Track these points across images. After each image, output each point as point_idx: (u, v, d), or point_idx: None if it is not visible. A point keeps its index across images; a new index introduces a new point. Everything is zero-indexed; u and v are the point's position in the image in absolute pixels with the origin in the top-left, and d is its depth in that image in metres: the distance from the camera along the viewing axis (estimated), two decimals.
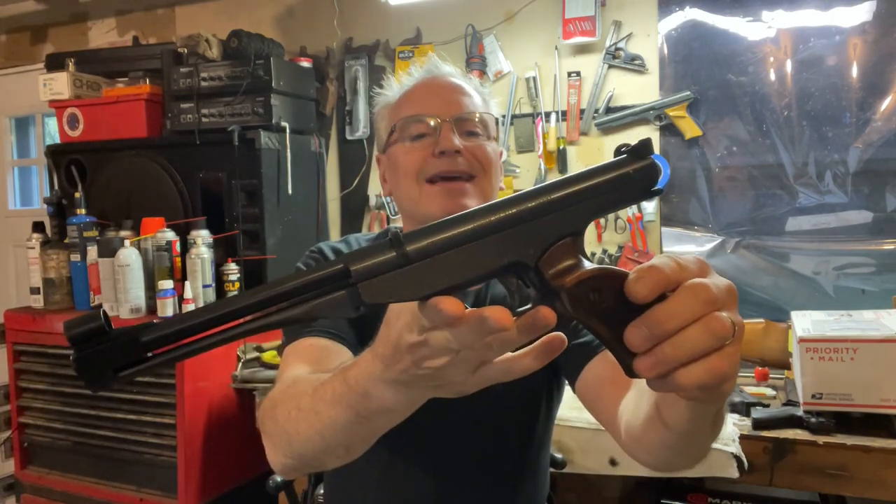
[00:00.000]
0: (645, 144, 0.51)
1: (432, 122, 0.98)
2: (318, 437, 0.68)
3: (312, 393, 0.69)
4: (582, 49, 2.27)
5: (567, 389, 1.06)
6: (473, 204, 0.92)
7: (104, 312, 0.49)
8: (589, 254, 2.26)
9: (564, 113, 2.28)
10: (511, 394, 1.00)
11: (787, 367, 1.81)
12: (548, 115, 2.30)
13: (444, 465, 1.03)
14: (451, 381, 0.54)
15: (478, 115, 1.00)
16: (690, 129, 2.14)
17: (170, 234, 2.13)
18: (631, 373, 0.48)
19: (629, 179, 0.51)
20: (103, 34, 3.06)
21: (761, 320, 1.89)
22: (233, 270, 2.20)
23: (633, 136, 2.22)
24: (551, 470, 1.24)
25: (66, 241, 2.29)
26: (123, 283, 2.08)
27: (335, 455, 0.71)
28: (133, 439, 2.09)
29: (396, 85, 1.08)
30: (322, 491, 1.35)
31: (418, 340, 0.50)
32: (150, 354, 0.49)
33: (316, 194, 2.50)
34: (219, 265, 2.20)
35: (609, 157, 0.49)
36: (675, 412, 0.60)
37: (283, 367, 0.94)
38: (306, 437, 0.70)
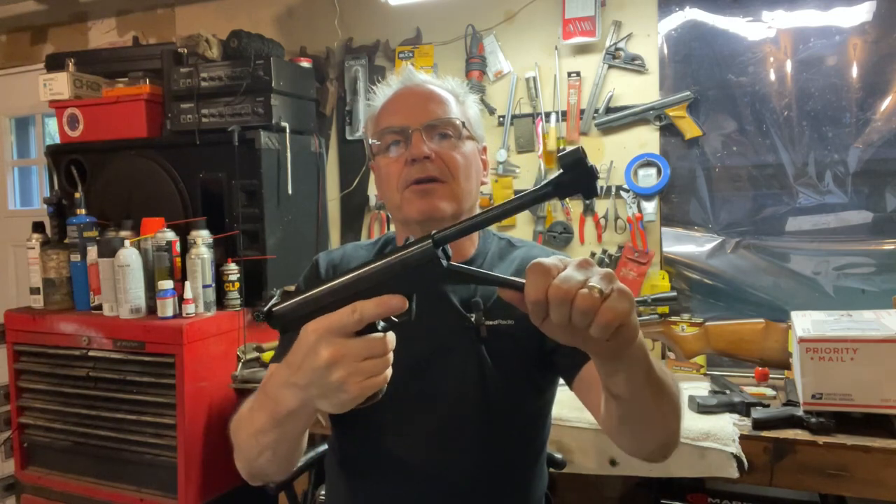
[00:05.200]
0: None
1: (404, 131, 1.04)
2: (254, 441, 0.84)
3: (250, 406, 0.86)
4: (582, 49, 2.27)
5: (565, 389, 1.07)
6: (444, 205, 1.01)
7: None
8: (589, 254, 2.27)
9: (564, 113, 2.28)
10: (501, 391, 1.01)
11: (787, 367, 1.81)
12: (548, 115, 2.30)
13: (440, 462, 1.03)
14: (334, 389, 0.69)
15: (446, 119, 1.05)
16: (690, 129, 2.14)
17: (170, 234, 2.13)
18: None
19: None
20: (103, 34, 3.06)
21: (761, 320, 1.89)
22: (233, 270, 2.20)
23: (633, 136, 2.22)
24: (551, 470, 1.25)
25: (66, 241, 2.29)
26: (123, 284, 2.08)
27: (267, 459, 0.86)
28: (133, 439, 2.08)
29: (380, 95, 1.13)
30: (323, 492, 1.35)
31: (321, 350, 0.68)
32: None
33: (316, 194, 2.50)
34: (219, 265, 2.20)
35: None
36: (612, 380, 0.74)
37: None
38: (246, 443, 0.87)
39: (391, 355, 0.71)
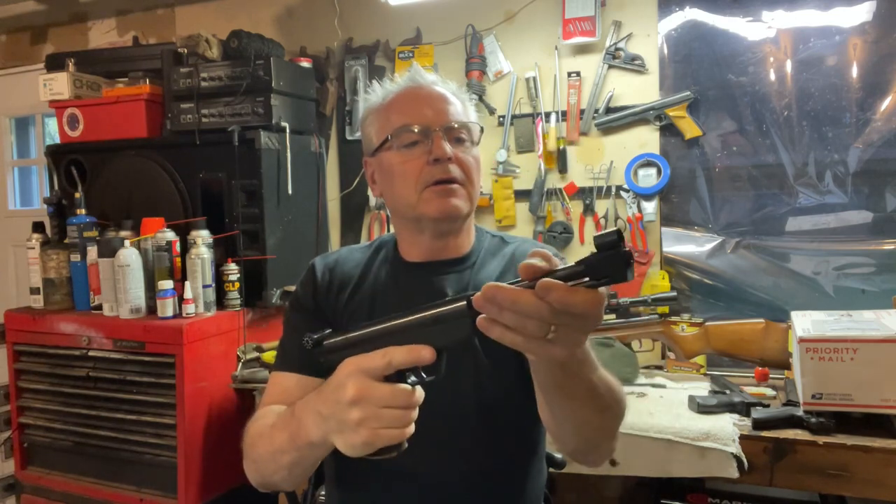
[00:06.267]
0: None
1: (425, 131, 1.04)
2: (271, 460, 0.88)
3: (272, 422, 0.90)
4: (582, 49, 2.27)
5: None
6: (463, 205, 1.04)
7: None
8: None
9: (564, 113, 2.28)
10: (494, 381, 1.03)
11: (787, 367, 1.81)
12: (548, 115, 2.30)
13: (438, 462, 1.03)
14: (350, 429, 0.71)
15: (465, 123, 1.08)
16: (690, 129, 2.14)
17: (170, 234, 2.13)
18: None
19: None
20: (103, 34, 3.06)
21: (761, 320, 1.89)
22: (233, 270, 2.20)
23: (633, 136, 2.22)
24: (551, 470, 1.25)
25: (66, 241, 2.29)
26: (123, 284, 2.08)
27: (282, 477, 0.90)
28: (133, 439, 2.08)
29: (380, 90, 1.13)
30: (323, 492, 1.35)
31: (348, 385, 0.71)
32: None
33: (316, 194, 2.50)
34: (219, 265, 2.20)
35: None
36: (539, 372, 0.76)
37: (265, 396, 1.09)
38: (263, 460, 0.90)
39: (414, 414, 0.72)
